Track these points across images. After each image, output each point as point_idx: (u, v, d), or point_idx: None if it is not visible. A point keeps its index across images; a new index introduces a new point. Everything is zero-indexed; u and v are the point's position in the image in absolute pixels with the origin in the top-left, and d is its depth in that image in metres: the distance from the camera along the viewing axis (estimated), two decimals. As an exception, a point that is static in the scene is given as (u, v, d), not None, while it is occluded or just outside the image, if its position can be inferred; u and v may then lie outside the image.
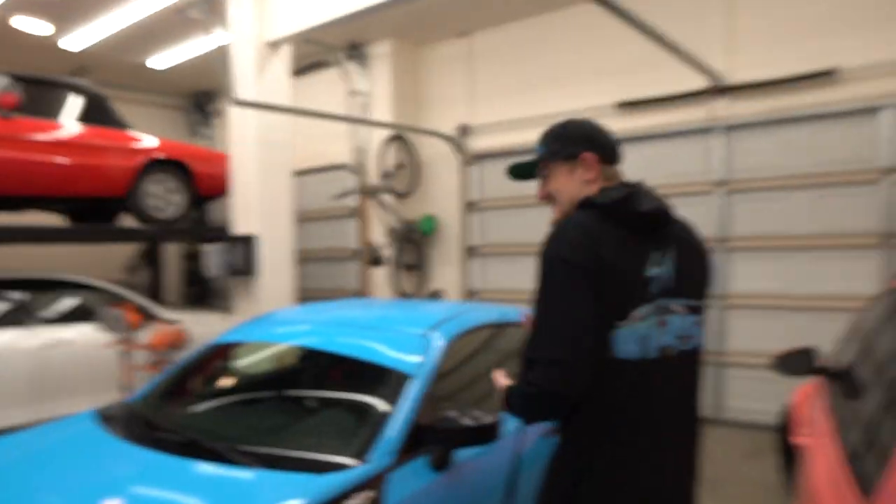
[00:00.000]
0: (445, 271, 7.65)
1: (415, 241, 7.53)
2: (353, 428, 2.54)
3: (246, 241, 5.86)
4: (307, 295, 7.69)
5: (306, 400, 2.98)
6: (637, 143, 6.33)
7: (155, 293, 7.62)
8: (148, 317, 5.40)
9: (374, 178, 7.44)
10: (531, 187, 7.48)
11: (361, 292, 7.73)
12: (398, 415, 2.48)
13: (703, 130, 5.99)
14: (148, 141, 6.11)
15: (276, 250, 6.05)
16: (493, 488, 2.80)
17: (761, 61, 5.68)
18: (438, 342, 2.86)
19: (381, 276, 7.43)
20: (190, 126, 10.13)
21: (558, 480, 1.72)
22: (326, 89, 7.75)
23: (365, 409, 2.61)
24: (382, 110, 7.38)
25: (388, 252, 7.17)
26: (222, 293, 8.99)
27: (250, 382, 3.28)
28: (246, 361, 3.44)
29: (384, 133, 7.37)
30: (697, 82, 5.86)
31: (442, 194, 7.63)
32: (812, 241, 5.50)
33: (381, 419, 2.47)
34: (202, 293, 9.02)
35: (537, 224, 6.99)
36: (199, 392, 3.25)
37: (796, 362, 3.38)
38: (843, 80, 5.32)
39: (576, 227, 1.63)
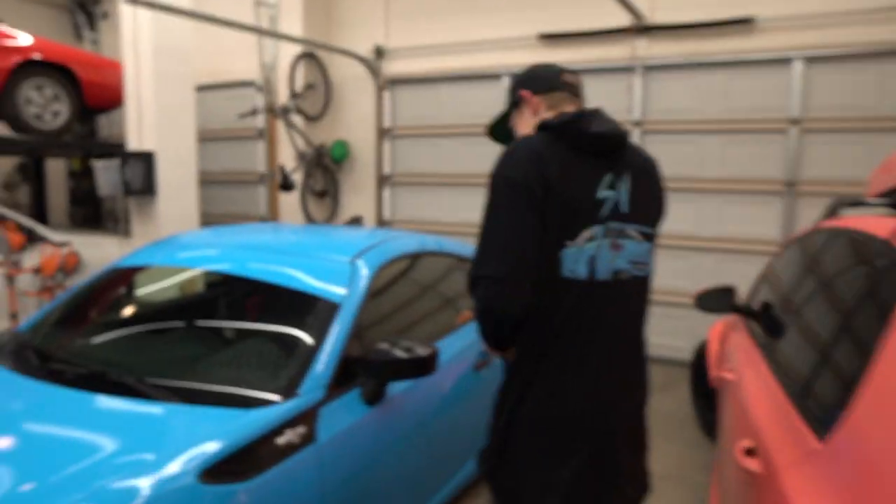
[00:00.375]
0: (357, 199, 7.42)
1: (326, 168, 7.22)
2: (279, 360, 2.38)
3: (144, 159, 5.38)
4: (210, 220, 7.26)
5: (223, 330, 2.77)
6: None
7: (38, 213, 6.95)
8: (32, 238, 4.90)
9: (282, 97, 7.00)
10: (446, 115, 7.41)
11: (270, 218, 7.38)
12: (327, 346, 2.34)
13: (623, 69, 5.99)
14: (22, 39, 5.42)
15: (178, 170, 5.61)
16: (426, 422, 2.76)
17: (682, 3, 5.69)
18: (365, 270, 2.71)
19: (290, 203, 7.10)
20: (74, 28, 9.13)
21: (505, 399, 1.74)
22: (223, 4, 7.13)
23: (290, 341, 2.45)
24: (291, 25, 6.88)
25: (297, 177, 6.83)
26: (116, 215, 8.36)
27: (158, 311, 3.01)
28: (152, 288, 3.16)
29: (293, 50, 6.90)
30: (620, 19, 5.81)
31: (355, 119, 7.31)
32: (721, 185, 5.69)
33: (310, 351, 2.32)
34: (92, 214, 8.34)
35: (453, 154, 6.87)
36: (100, 321, 2.98)
37: (717, 300, 3.49)
38: (759, 29, 5.42)
39: (523, 148, 1.63)
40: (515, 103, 1.92)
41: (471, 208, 6.85)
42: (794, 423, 1.70)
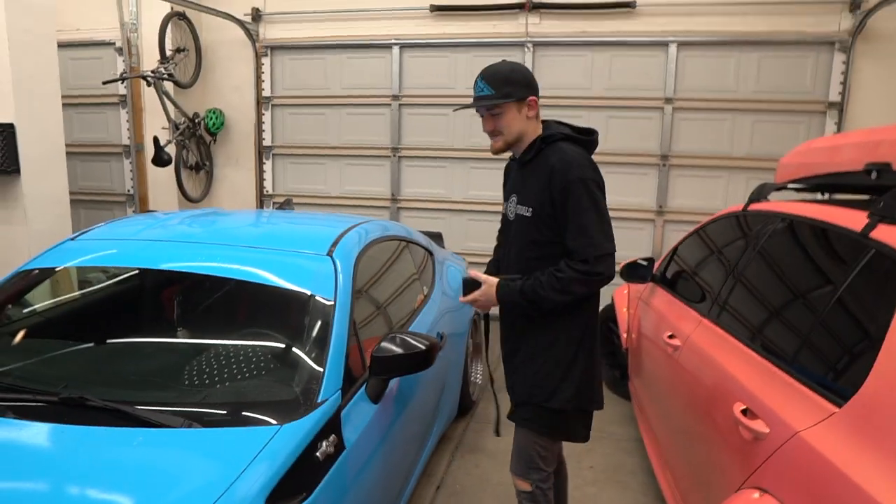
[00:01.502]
0: (235, 173, 7.01)
1: (200, 139, 6.72)
2: (288, 368, 2.26)
3: (4, 132, 4.68)
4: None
5: (205, 337, 2.55)
6: (448, 50, 6.30)
7: None
8: None
9: (148, 61, 6.37)
10: (333, 85, 7.20)
11: (138, 195, 6.75)
12: (333, 348, 2.26)
13: (513, 44, 6.15)
14: None
15: (43, 143, 4.94)
16: (414, 401, 2.78)
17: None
18: (345, 264, 2.63)
19: (160, 178, 6.53)
20: None
21: (581, 347, 2.30)
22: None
23: (293, 345, 2.33)
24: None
25: (170, 150, 6.28)
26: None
27: (115, 318, 2.68)
28: (99, 290, 2.81)
29: (156, 8, 6.28)
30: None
31: (231, 87, 6.85)
32: (605, 157, 6.08)
33: (319, 355, 2.23)
34: None
35: (339, 125, 6.69)
36: (45, 333, 2.61)
37: (640, 271, 3.80)
38: (639, 14, 5.80)
39: (584, 156, 2.24)
40: (520, 99, 2.25)
41: (359, 181, 6.75)
42: (796, 389, 1.95)
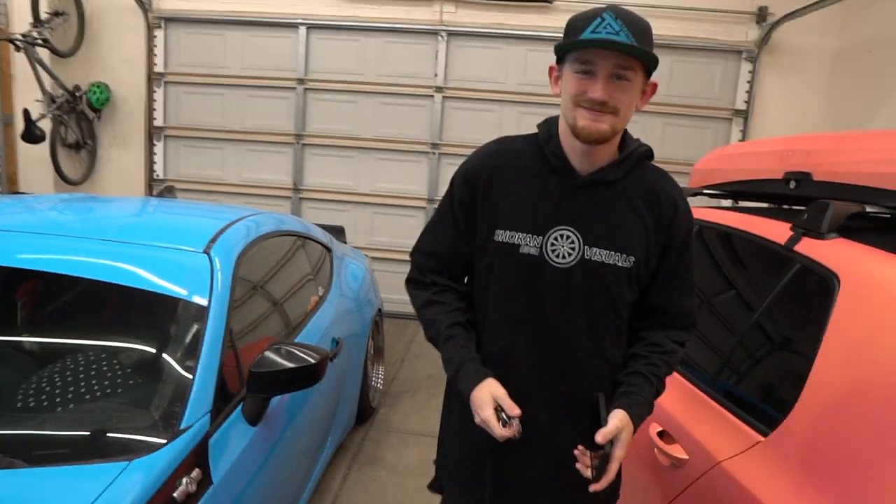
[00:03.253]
0: (122, 154, 6.38)
1: (82, 115, 6.07)
2: (145, 386, 1.91)
3: None
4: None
5: (45, 347, 2.14)
6: (359, 34, 5.97)
7: None
8: None
9: (18, 24, 5.67)
10: (233, 64, 6.71)
11: (7, 175, 6.02)
12: (203, 362, 1.93)
13: (428, 32, 5.89)
14: None
15: None
16: (301, 421, 2.48)
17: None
18: (224, 262, 2.30)
19: (34, 156, 5.85)
20: None
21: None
22: None
23: (153, 358, 1.99)
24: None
25: (45, 125, 5.63)
26: None
27: None
28: None
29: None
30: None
31: (118, 60, 6.22)
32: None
33: (185, 369, 1.90)
34: None
35: (240, 107, 6.24)
36: None
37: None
38: (557, 9, 5.68)
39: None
40: (648, 75, 1.44)
41: (259, 168, 6.33)
42: (720, 414, 1.80)
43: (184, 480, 1.62)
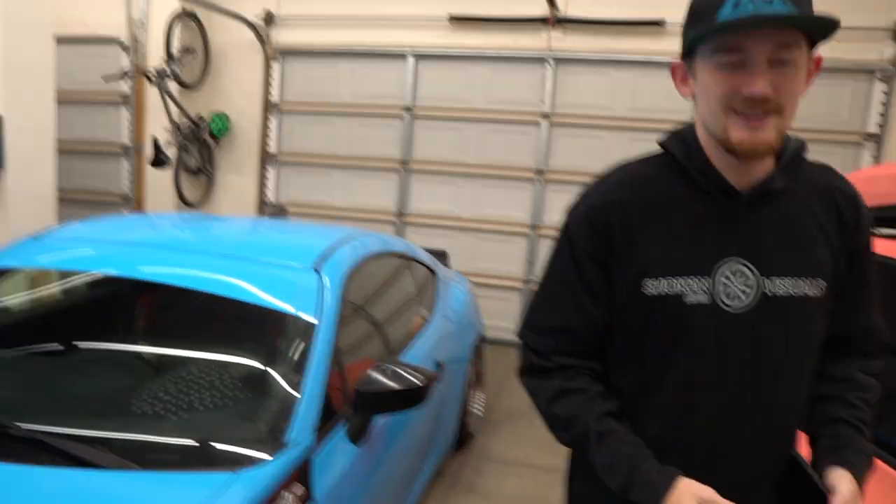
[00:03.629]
0: (237, 179, 6.72)
1: (203, 142, 6.45)
2: (252, 400, 1.93)
3: (-12, 123, 4.41)
4: (62, 196, 6.22)
5: (165, 357, 2.22)
6: (466, 62, 6.03)
7: None
8: None
9: (153, 60, 6.12)
10: (344, 93, 6.84)
11: (134, 197, 6.47)
12: (310, 379, 1.93)
13: (535, 60, 5.86)
14: None
15: (32, 138, 4.67)
16: (404, 441, 2.44)
17: (596, 2, 5.66)
18: (333, 280, 2.31)
19: (158, 180, 6.25)
20: None
21: None
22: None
23: (261, 373, 2.00)
24: (167, -23, 6.04)
25: (170, 152, 6.02)
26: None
27: (58, 328, 2.36)
28: (55, 297, 2.49)
29: (166, 7, 6.06)
30: (534, 7, 5.66)
31: (237, 91, 6.59)
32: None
33: (292, 386, 1.90)
34: None
35: (349, 134, 6.41)
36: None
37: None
38: (669, 33, 5.50)
39: None
40: (812, 46, 1.14)
41: (366, 193, 6.45)
42: None
43: (287, 495, 1.60)
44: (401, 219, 6.37)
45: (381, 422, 2.17)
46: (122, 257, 2.33)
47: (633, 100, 5.70)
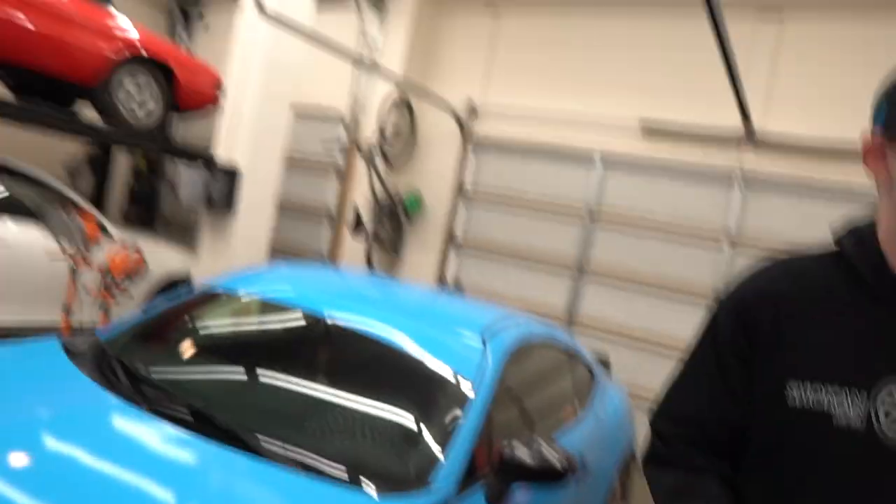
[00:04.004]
0: (421, 257, 7.19)
1: (397, 218, 7.04)
2: (410, 441, 2.09)
3: (230, 174, 5.22)
4: (271, 245, 7.07)
5: (338, 389, 2.48)
6: (653, 173, 6.09)
7: (96, 205, 6.79)
8: (104, 233, 4.70)
9: (368, 138, 6.89)
10: (531, 189, 7.05)
11: (330, 258, 7.16)
12: (461, 436, 2.06)
13: (723, 178, 5.79)
14: (132, 31, 5.35)
15: (260, 190, 5.44)
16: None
17: (799, 116, 5.51)
18: (497, 355, 2.45)
19: (353, 246, 6.89)
20: (169, 27, 9.20)
21: None
22: (335, 32, 7.14)
23: (420, 421, 2.17)
24: (391, 64, 6.81)
25: (367, 222, 6.65)
26: (172, 221, 8.20)
27: (265, 350, 2.71)
28: (258, 321, 2.89)
29: (385, 91, 6.82)
30: (729, 118, 5.60)
31: (434, 174, 7.15)
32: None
33: (444, 438, 2.04)
34: (145, 216, 8.19)
35: (530, 229, 6.65)
36: (195, 349, 2.70)
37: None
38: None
39: None
40: None
41: (539, 288, 6.59)
42: None
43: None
44: (570, 319, 6.41)
45: (518, 500, 2.23)
46: (316, 299, 2.67)
47: (827, 231, 5.40)
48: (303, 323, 2.70)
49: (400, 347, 2.36)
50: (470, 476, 2.03)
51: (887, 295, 1.04)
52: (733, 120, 5.50)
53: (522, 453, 2.04)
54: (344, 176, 7.20)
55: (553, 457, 2.06)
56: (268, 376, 2.44)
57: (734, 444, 1.11)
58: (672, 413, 1.20)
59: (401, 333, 2.43)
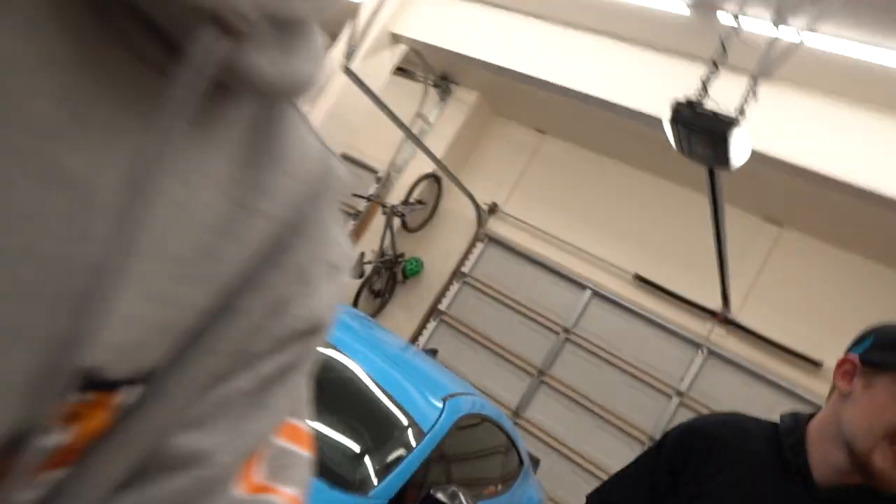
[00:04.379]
0: (402, 315, 7.64)
1: (393, 274, 7.53)
2: (362, 458, 2.53)
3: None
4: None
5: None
6: (632, 318, 6.65)
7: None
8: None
9: (393, 198, 7.47)
10: (521, 292, 7.49)
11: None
12: (404, 466, 2.50)
13: (691, 342, 6.35)
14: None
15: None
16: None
17: (770, 317, 6.13)
18: (452, 416, 2.91)
19: (349, 289, 7.34)
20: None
21: None
22: (395, 101, 7.85)
23: (374, 445, 2.61)
24: (435, 146, 7.47)
25: (367, 268, 7.15)
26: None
27: None
28: None
29: (420, 164, 7.45)
30: (710, 299, 6.23)
31: (441, 249, 7.70)
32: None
33: (390, 462, 2.48)
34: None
35: (508, 328, 7.14)
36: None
37: None
38: (825, 375, 5.78)
39: None
40: None
41: (497, 381, 7.02)
42: None
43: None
44: (516, 415, 6.83)
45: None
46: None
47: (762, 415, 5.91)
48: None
49: (373, 383, 2.82)
50: None
51: (794, 473, 1.22)
52: (715, 298, 6.11)
53: (445, 497, 2.48)
54: (359, 224, 7.74)
55: (466, 501, 2.50)
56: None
57: None
58: (604, 491, 1.47)
59: (377, 372, 2.89)
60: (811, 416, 1.27)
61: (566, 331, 6.88)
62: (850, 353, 1.22)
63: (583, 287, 6.93)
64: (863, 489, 1.15)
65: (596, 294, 6.86)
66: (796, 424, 1.26)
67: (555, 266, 7.12)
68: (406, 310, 7.66)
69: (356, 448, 2.58)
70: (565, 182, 7.44)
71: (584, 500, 1.50)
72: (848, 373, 1.20)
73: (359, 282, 7.13)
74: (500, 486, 3.68)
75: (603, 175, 7.28)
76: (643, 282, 6.66)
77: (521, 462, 4.08)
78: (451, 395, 3.02)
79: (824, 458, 1.18)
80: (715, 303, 6.20)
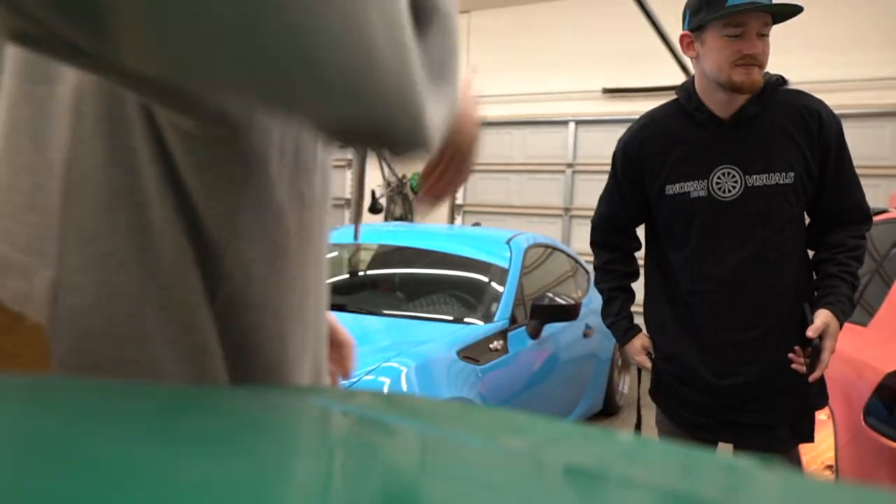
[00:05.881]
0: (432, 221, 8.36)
1: (405, 196, 8.18)
2: (480, 296, 3.31)
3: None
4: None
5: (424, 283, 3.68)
6: (617, 125, 7.27)
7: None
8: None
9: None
10: (516, 155, 8.30)
11: (355, 235, 8.28)
12: (506, 294, 3.27)
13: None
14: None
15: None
16: (561, 360, 3.68)
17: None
18: (518, 248, 3.67)
19: (373, 221, 8.04)
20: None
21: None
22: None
23: (482, 285, 3.38)
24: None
25: (382, 202, 7.80)
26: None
27: (380, 264, 3.95)
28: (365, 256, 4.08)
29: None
30: (675, 78, 6.81)
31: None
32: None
33: (496, 296, 3.25)
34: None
35: (520, 188, 7.83)
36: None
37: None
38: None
39: None
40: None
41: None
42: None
43: (494, 342, 2.91)
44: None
45: (549, 339, 3.41)
46: (395, 236, 3.90)
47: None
48: (388, 251, 3.91)
49: (456, 252, 3.58)
50: (514, 321, 3.24)
51: (705, 120, 1.72)
52: (676, 74, 6.66)
53: (547, 300, 3.24)
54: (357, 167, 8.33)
55: (562, 300, 3.26)
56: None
57: (632, 226, 1.95)
58: (598, 214, 1.98)
59: (455, 245, 3.65)
60: (692, 82, 1.76)
61: (569, 165, 7.55)
62: (683, 32, 1.73)
63: (565, 123, 7.54)
64: (746, 108, 1.68)
65: (578, 123, 7.47)
66: (689, 93, 1.75)
67: (535, 118, 7.70)
68: (430, 219, 8.35)
69: (472, 298, 3.34)
70: (507, 44, 7.91)
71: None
72: (689, 44, 1.70)
73: (381, 216, 7.81)
74: (579, 291, 4.47)
75: (537, 19, 7.74)
76: (612, 91, 7.24)
77: (580, 265, 4.82)
78: (511, 238, 3.76)
79: (714, 101, 1.70)
80: (677, 77, 6.77)
